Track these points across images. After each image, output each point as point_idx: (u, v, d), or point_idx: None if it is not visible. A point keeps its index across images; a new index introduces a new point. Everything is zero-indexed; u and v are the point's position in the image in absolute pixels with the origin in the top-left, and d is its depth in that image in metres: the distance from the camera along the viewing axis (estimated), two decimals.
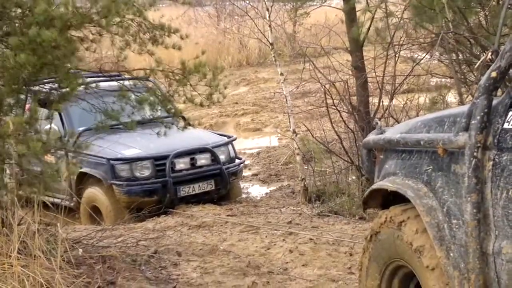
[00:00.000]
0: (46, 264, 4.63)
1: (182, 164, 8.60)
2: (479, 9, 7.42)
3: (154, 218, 7.89)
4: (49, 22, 4.21)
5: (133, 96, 5.68)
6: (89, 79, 7.06)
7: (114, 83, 6.23)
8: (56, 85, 5.03)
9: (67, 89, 4.76)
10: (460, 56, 7.81)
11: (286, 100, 9.25)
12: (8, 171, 5.15)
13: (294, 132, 9.12)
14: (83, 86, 5.22)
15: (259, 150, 12.98)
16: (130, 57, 5.79)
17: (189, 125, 9.29)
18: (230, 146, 9.16)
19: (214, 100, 5.78)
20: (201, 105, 5.94)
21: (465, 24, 7.23)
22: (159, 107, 5.91)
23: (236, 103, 17.19)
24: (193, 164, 8.66)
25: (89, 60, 5.96)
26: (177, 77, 5.55)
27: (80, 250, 5.40)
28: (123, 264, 5.47)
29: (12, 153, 4.69)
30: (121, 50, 5.49)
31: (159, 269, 5.66)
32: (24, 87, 4.69)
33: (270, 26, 9.34)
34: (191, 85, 5.67)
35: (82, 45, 5.10)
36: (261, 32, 10.63)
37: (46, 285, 4.44)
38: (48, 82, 5.33)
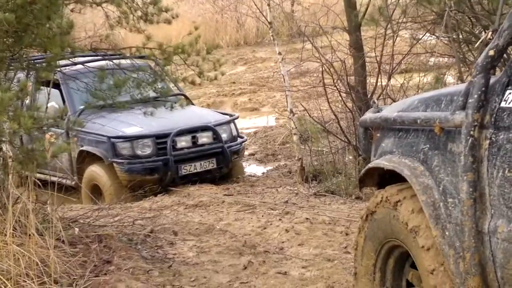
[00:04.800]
0: (41, 243, 4.62)
1: (183, 142, 8.57)
2: None
3: (150, 197, 7.89)
4: None
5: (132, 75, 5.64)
6: (86, 58, 7.07)
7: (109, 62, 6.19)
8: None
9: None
10: (460, 36, 7.77)
11: (284, 79, 9.21)
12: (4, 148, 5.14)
13: (291, 111, 9.09)
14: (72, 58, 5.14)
15: (256, 129, 12.97)
16: (127, 37, 5.77)
17: (191, 103, 9.29)
18: (232, 125, 9.13)
19: (207, 77, 5.74)
20: (192, 83, 5.90)
21: (466, 2, 7.17)
22: (152, 87, 5.88)
23: (234, 82, 17.15)
24: (194, 143, 8.64)
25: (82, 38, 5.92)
26: (164, 56, 5.51)
27: (76, 229, 5.39)
28: (119, 243, 5.47)
29: (5, 130, 4.65)
30: (111, 27, 5.45)
31: (155, 248, 5.65)
32: (9, 53, 4.60)
33: (268, 4, 9.28)
34: (185, 63, 5.61)
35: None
36: (259, 11, 10.57)
37: (41, 263, 4.43)
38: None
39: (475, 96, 2.64)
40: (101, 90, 5.53)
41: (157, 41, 5.55)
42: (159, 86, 6.03)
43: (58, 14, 4.51)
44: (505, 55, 2.97)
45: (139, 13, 5.37)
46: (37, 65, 5.08)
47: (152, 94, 6.34)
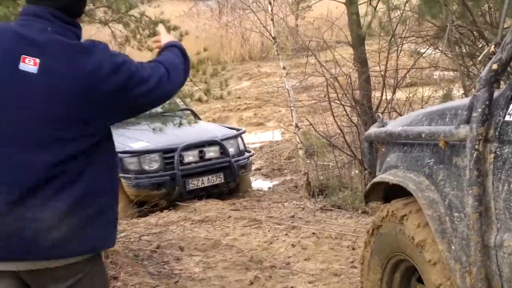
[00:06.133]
0: None
1: (190, 157, 8.58)
2: (482, 2, 7.38)
3: (157, 213, 7.89)
4: None
5: None
6: None
7: None
8: None
9: None
10: (464, 50, 7.79)
11: (289, 94, 9.23)
12: None
13: (296, 126, 9.10)
14: None
15: (262, 144, 12.98)
16: (134, 55, 5.81)
17: (198, 118, 9.31)
18: (239, 139, 9.14)
19: (214, 96, 5.76)
20: (200, 100, 5.92)
21: (469, 16, 7.19)
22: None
23: (239, 97, 17.18)
24: (202, 157, 8.64)
25: None
26: None
27: None
28: (126, 259, 5.47)
29: None
30: (120, 46, 5.48)
31: (162, 264, 5.66)
32: None
33: (272, 19, 9.32)
34: (192, 80, 5.65)
35: None
36: (264, 26, 10.61)
37: None
38: None
39: (479, 110, 2.64)
40: None
41: None
42: (166, 102, 6.06)
43: None
44: (508, 68, 2.98)
45: (147, 32, 5.40)
46: None
47: (159, 109, 6.37)
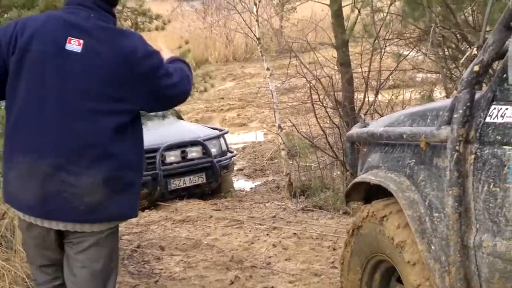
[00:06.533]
0: (26, 258, 4.59)
1: (172, 157, 8.55)
2: (466, 5, 7.42)
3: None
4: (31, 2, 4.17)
5: None
6: None
7: None
8: None
9: None
10: (446, 52, 7.83)
11: (272, 95, 9.24)
12: None
13: (279, 127, 9.11)
14: None
15: (244, 145, 12.98)
16: None
17: (181, 118, 9.29)
18: (222, 139, 9.14)
19: (197, 89, 5.74)
20: None
21: (452, 19, 7.23)
22: None
23: (222, 98, 17.18)
24: (184, 157, 8.62)
25: None
26: None
27: None
28: None
29: None
30: None
31: (142, 263, 5.63)
32: None
33: (257, 21, 9.32)
34: None
35: None
36: (248, 27, 10.61)
37: (27, 279, 4.40)
38: None
39: (460, 111, 2.65)
40: None
41: None
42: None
43: None
44: (490, 70, 2.99)
45: (129, 23, 5.37)
46: None
47: None
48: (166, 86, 2.95)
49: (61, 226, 2.87)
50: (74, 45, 2.81)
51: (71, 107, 2.81)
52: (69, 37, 2.82)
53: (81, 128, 2.81)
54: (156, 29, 5.48)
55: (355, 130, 3.74)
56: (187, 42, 5.82)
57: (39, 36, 2.84)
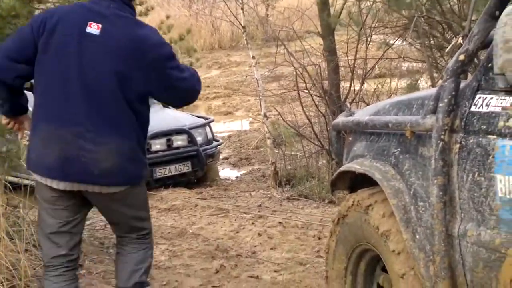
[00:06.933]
0: (11, 246, 4.55)
1: (158, 145, 8.52)
2: None
3: None
4: None
5: None
6: None
7: None
8: None
9: None
10: (432, 41, 7.83)
11: (258, 83, 9.22)
12: None
13: (265, 116, 9.11)
14: None
15: (230, 133, 12.96)
16: None
17: (166, 106, 9.26)
18: (207, 128, 9.11)
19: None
20: None
21: (437, 8, 7.23)
22: None
23: (208, 86, 17.13)
24: (169, 146, 8.59)
25: None
26: None
27: None
28: (91, 247, 5.42)
29: None
30: None
31: None
32: None
33: (242, 9, 9.29)
34: None
35: None
36: (234, 15, 10.57)
37: (11, 267, 4.37)
38: None
39: (445, 100, 2.65)
40: None
41: None
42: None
43: None
44: (475, 59, 2.99)
45: None
46: None
47: None
48: (177, 78, 3.32)
49: (75, 187, 3.28)
50: (94, 28, 3.23)
51: (90, 82, 3.21)
52: (90, 22, 3.25)
53: (99, 101, 3.21)
54: (140, 15, 5.44)
55: (341, 119, 3.73)
56: (168, 17, 5.78)
57: (64, 21, 3.26)
